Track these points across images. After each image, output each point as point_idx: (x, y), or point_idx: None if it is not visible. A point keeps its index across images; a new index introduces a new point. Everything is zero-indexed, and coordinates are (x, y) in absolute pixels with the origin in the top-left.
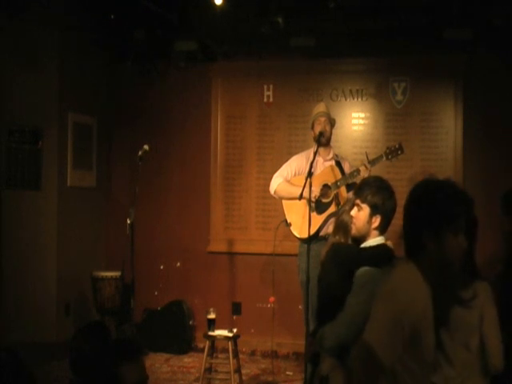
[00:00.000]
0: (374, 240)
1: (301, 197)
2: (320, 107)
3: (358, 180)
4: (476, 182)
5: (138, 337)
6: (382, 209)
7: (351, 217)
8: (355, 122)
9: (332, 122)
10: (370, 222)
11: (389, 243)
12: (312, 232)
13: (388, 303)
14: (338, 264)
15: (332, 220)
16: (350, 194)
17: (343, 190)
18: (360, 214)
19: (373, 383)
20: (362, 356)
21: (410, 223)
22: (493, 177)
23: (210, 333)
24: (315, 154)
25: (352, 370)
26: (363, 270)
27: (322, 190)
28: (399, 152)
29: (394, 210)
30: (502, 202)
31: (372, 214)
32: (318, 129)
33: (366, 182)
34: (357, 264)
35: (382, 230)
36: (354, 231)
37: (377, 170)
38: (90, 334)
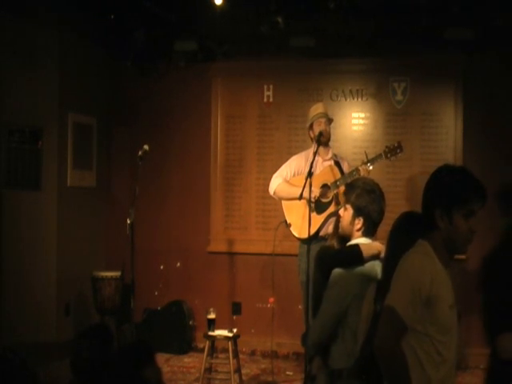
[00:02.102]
0: (357, 241)
1: (301, 197)
2: (319, 108)
3: None
4: None
5: (137, 337)
6: (365, 212)
7: (339, 215)
8: (355, 121)
9: (330, 122)
10: (352, 223)
11: (376, 244)
12: (312, 232)
13: (403, 276)
14: (318, 265)
15: (332, 220)
16: None
17: (343, 189)
18: (345, 214)
19: (396, 344)
20: (386, 318)
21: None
22: (493, 177)
23: (210, 333)
24: (315, 154)
25: (379, 334)
26: (334, 271)
27: (321, 189)
28: (398, 151)
29: (380, 214)
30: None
31: (355, 216)
32: (317, 130)
33: (353, 184)
34: (330, 265)
35: (366, 232)
36: (340, 229)
37: (377, 170)
38: (91, 336)
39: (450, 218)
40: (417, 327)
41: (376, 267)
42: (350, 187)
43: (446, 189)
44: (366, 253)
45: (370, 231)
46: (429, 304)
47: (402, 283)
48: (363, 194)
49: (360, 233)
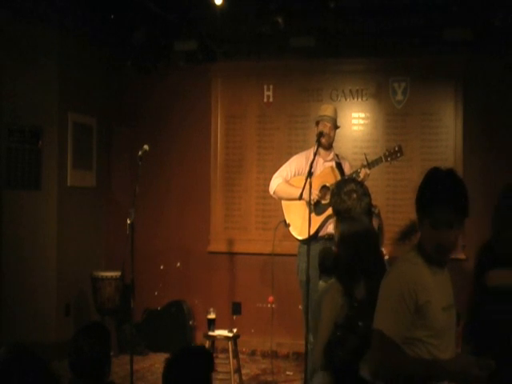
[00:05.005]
0: None
1: (301, 197)
2: (328, 110)
3: None
4: (476, 182)
5: (137, 337)
6: (344, 214)
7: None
8: (355, 122)
9: (337, 128)
10: (337, 225)
11: None
12: (311, 232)
13: (387, 292)
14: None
15: (331, 221)
16: None
17: None
18: (333, 221)
19: (395, 361)
20: (377, 344)
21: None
22: (493, 177)
23: (210, 333)
24: (315, 154)
25: (373, 362)
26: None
27: (320, 191)
28: (398, 155)
29: (361, 211)
30: None
31: (338, 219)
32: (320, 130)
33: (333, 189)
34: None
35: None
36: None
37: (377, 171)
38: (89, 334)
39: (422, 225)
40: (407, 334)
41: None
42: (331, 194)
43: (418, 195)
44: None
45: None
46: (418, 312)
47: (387, 300)
48: (342, 199)
49: None
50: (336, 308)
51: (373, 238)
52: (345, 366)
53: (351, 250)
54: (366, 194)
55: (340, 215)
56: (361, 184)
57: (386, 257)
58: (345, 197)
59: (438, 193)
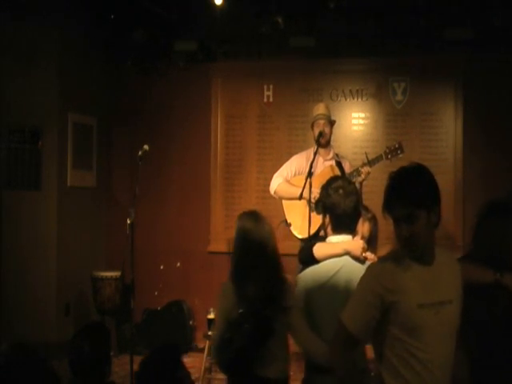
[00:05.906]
0: (328, 238)
1: (301, 197)
2: (319, 109)
3: (357, 180)
4: (476, 182)
5: (137, 337)
6: (331, 209)
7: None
8: (355, 121)
9: (332, 123)
10: (324, 221)
11: (342, 245)
12: (312, 232)
13: (359, 286)
14: None
15: None
16: None
17: None
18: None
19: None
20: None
21: None
22: (493, 176)
23: (210, 333)
24: (315, 154)
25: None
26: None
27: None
28: (399, 152)
29: (344, 207)
30: None
31: (324, 215)
32: (316, 130)
33: (322, 186)
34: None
35: (335, 228)
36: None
37: (377, 170)
38: (89, 334)
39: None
40: (381, 331)
41: (340, 265)
42: (320, 189)
43: (384, 193)
44: (321, 252)
45: (339, 227)
46: (388, 309)
47: (357, 293)
48: (328, 193)
49: (329, 230)
50: (228, 306)
51: (264, 238)
52: (233, 366)
53: (240, 247)
54: (354, 192)
55: (326, 210)
56: (350, 182)
57: (375, 258)
58: (331, 191)
59: (391, 189)
